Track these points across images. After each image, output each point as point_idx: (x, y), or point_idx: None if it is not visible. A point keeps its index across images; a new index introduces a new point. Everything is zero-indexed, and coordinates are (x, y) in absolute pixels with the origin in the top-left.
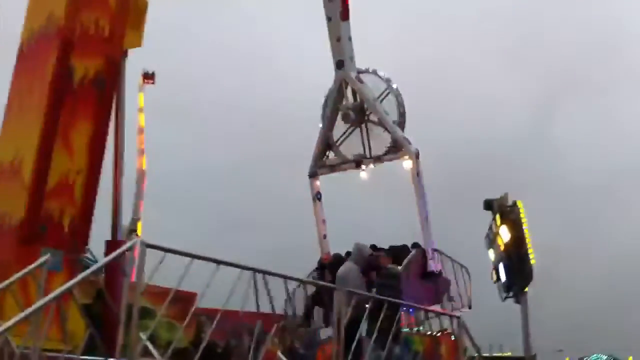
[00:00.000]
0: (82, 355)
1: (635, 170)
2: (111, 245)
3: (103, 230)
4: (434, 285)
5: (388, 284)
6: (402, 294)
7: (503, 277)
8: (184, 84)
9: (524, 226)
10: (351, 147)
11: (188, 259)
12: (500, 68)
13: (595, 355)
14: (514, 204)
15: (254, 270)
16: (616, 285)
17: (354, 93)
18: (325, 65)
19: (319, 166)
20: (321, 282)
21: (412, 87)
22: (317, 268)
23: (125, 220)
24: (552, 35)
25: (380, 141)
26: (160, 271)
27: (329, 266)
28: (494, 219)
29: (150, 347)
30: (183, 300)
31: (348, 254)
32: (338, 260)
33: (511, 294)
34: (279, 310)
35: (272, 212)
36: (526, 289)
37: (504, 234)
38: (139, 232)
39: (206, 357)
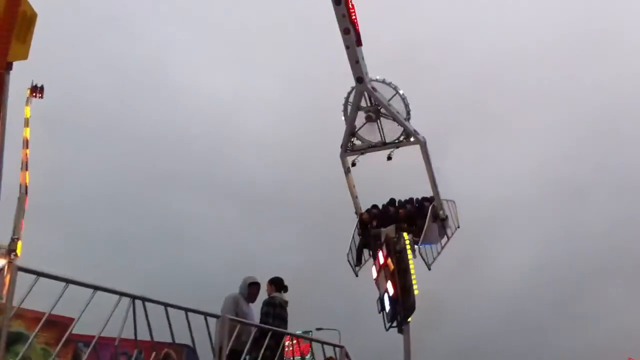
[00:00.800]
0: None
1: (516, 204)
2: None
3: None
4: (442, 225)
5: (272, 312)
6: (286, 322)
7: (387, 308)
8: (76, 102)
9: (410, 257)
10: (369, 135)
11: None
12: None
13: None
14: (400, 235)
15: (133, 297)
16: (499, 314)
17: (370, 98)
18: (212, 88)
19: (347, 150)
20: (206, 312)
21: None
22: (358, 225)
23: (5, 239)
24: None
25: (392, 131)
26: (37, 296)
27: (371, 220)
28: (381, 249)
29: None
30: (60, 326)
31: (374, 206)
32: (378, 210)
33: (395, 323)
34: (161, 337)
35: (155, 233)
36: (409, 319)
37: (390, 265)
38: (18, 252)
39: None
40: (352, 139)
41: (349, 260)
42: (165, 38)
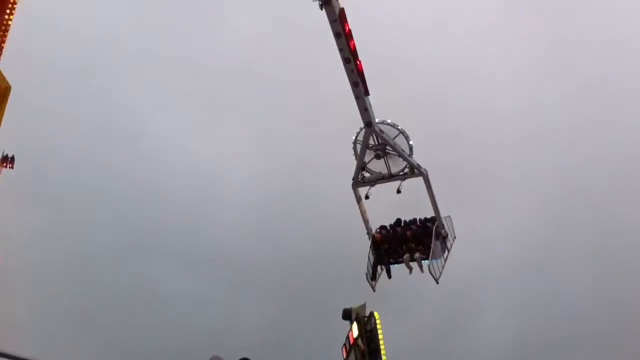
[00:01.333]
0: None
1: (492, 269)
2: None
3: None
4: (444, 242)
5: None
6: None
7: None
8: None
9: (380, 337)
10: (377, 169)
11: None
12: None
13: None
14: (371, 314)
15: None
16: None
17: (376, 137)
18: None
19: (358, 182)
20: None
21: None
22: (371, 245)
23: None
24: None
25: (396, 165)
26: None
27: (383, 240)
28: (351, 328)
29: None
30: None
31: (383, 227)
32: (387, 231)
33: None
34: None
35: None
36: None
37: (361, 345)
38: None
39: None
40: (363, 173)
41: (367, 279)
42: (140, 104)
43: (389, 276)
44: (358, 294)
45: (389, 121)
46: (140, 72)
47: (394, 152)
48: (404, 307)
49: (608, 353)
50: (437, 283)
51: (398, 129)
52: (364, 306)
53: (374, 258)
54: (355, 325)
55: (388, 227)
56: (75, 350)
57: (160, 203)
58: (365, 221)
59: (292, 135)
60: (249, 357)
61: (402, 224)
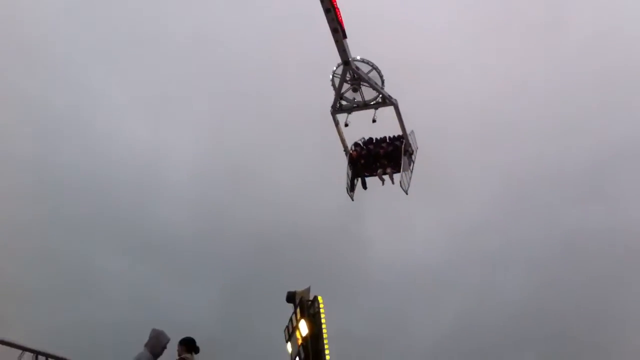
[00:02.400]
0: None
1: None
2: None
3: None
4: (410, 157)
5: None
6: None
7: None
8: None
9: (323, 322)
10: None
11: None
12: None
13: None
14: (315, 298)
15: (36, 353)
16: None
17: (353, 72)
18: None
19: (337, 109)
20: None
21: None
22: (349, 161)
23: None
24: None
25: (370, 95)
26: None
27: (358, 157)
28: (295, 312)
29: None
30: None
31: (357, 144)
32: (361, 148)
33: None
34: None
35: (65, 287)
36: None
37: (303, 329)
38: None
39: None
40: (340, 102)
41: (347, 191)
42: (82, 83)
43: (364, 187)
44: (305, 279)
45: (363, 58)
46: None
47: (368, 85)
48: (349, 297)
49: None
50: (407, 194)
51: (371, 65)
52: (307, 290)
53: (351, 172)
54: (298, 309)
55: (362, 145)
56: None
57: (100, 189)
58: (342, 141)
59: (241, 117)
60: (193, 338)
61: (374, 142)
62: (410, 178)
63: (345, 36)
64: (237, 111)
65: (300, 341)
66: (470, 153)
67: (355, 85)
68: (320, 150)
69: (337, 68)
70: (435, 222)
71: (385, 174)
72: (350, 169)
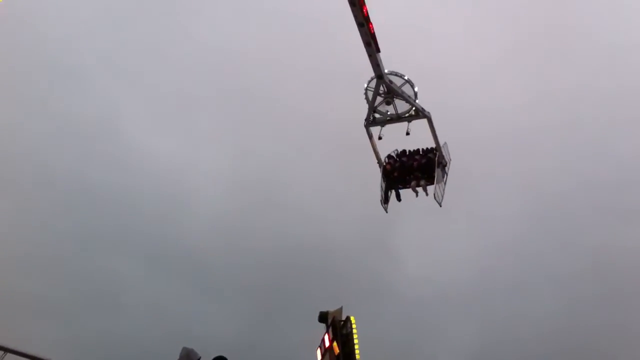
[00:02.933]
0: None
1: (457, 288)
2: None
3: None
4: (443, 169)
5: None
6: None
7: None
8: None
9: (355, 342)
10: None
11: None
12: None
13: None
14: (347, 319)
15: None
16: None
17: (386, 86)
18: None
19: (370, 122)
20: None
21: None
22: (383, 173)
23: None
24: None
25: (403, 108)
26: None
27: (392, 169)
28: (327, 332)
29: None
30: None
31: (390, 156)
32: (394, 160)
33: None
34: None
35: (88, 299)
36: None
37: (335, 349)
38: None
39: None
40: (373, 114)
41: (381, 203)
42: (115, 97)
43: (398, 199)
44: (334, 298)
45: (397, 72)
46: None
47: (401, 98)
48: (379, 315)
49: None
50: (440, 206)
51: (404, 79)
52: (340, 310)
53: (385, 184)
54: (331, 329)
55: (395, 157)
56: (37, 343)
57: (128, 203)
58: (376, 154)
59: (264, 132)
60: (225, 357)
61: (407, 154)
62: (443, 190)
63: (378, 50)
64: (261, 123)
65: None
66: (497, 167)
67: (388, 98)
68: (350, 160)
69: (370, 82)
70: (464, 236)
71: (419, 186)
72: (384, 181)
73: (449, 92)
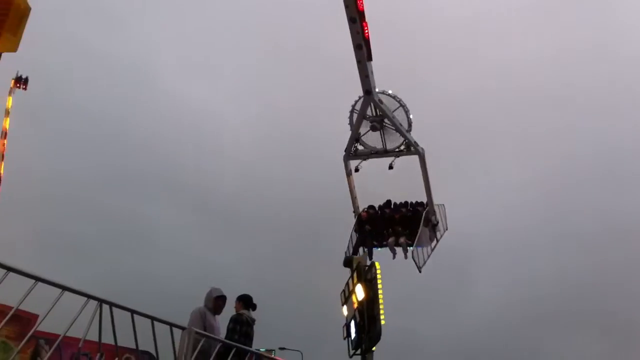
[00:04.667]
0: None
1: (490, 236)
2: None
3: None
4: (433, 230)
5: (238, 329)
6: (251, 340)
7: (353, 334)
8: (56, 98)
9: (379, 287)
10: (372, 141)
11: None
12: None
13: None
14: (372, 264)
15: (100, 301)
16: (466, 347)
17: (375, 108)
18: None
19: (351, 154)
20: (172, 323)
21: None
22: (356, 223)
23: None
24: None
25: (393, 140)
26: (1, 289)
27: (368, 219)
28: (352, 276)
29: None
30: (23, 321)
31: (371, 207)
32: (375, 212)
33: (359, 351)
34: (123, 343)
35: (121, 239)
36: (373, 348)
37: (359, 293)
38: None
39: None
40: (356, 145)
41: (345, 263)
42: (150, 40)
43: (370, 258)
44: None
45: (390, 92)
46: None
47: (391, 126)
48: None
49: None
50: (420, 272)
51: (399, 102)
52: (365, 255)
53: (357, 237)
54: (355, 273)
55: (377, 208)
56: (67, 279)
57: (161, 149)
58: (353, 198)
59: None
60: (250, 295)
61: (392, 206)
62: (429, 256)
63: (370, 57)
64: (292, 74)
65: (356, 305)
66: (528, 123)
67: (375, 123)
68: None
69: (357, 102)
70: (493, 191)
71: (397, 244)
72: (357, 233)
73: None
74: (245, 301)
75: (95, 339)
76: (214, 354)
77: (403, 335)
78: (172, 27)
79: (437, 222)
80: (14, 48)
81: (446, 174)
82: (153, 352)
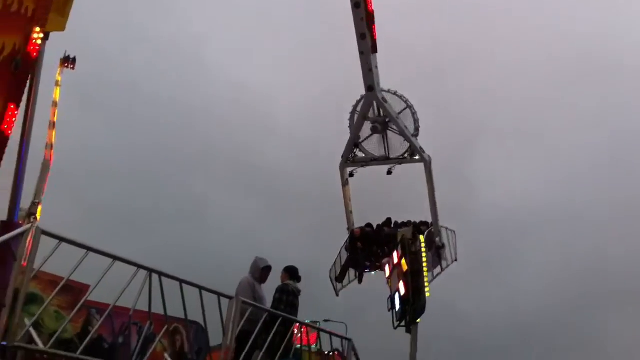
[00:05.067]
0: None
1: (544, 208)
2: (6, 226)
3: (1, 210)
4: (438, 254)
5: (284, 299)
6: (297, 311)
7: (397, 306)
8: (106, 76)
9: (424, 260)
10: (373, 148)
11: (84, 250)
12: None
13: None
14: (416, 238)
15: (150, 271)
16: (517, 322)
17: (378, 109)
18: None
19: (348, 161)
20: (219, 292)
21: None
22: (348, 241)
23: (26, 203)
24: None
25: (397, 146)
26: (53, 259)
27: (361, 237)
28: (396, 249)
29: (34, 334)
30: (74, 291)
31: (368, 225)
32: (372, 230)
33: (403, 323)
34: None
35: (174, 215)
36: (418, 320)
37: (404, 265)
38: (38, 216)
39: (91, 351)
40: (355, 150)
41: (330, 277)
42: (202, 17)
43: (359, 281)
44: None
45: (396, 91)
46: None
47: (395, 129)
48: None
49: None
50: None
51: (405, 103)
52: (410, 229)
53: (347, 257)
54: (400, 247)
55: (374, 227)
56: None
57: (215, 126)
58: (348, 212)
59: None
60: (296, 267)
61: (393, 225)
62: (429, 283)
63: (375, 49)
64: (342, 50)
65: (400, 278)
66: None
67: (377, 124)
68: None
69: (359, 102)
70: (542, 164)
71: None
72: (347, 252)
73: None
74: (292, 272)
75: (145, 308)
76: (260, 323)
77: (448, 309)
78: (228, 5)
79: (443, 245)
80: (62, 27)
81: (495, 148)
82: (201, 322)
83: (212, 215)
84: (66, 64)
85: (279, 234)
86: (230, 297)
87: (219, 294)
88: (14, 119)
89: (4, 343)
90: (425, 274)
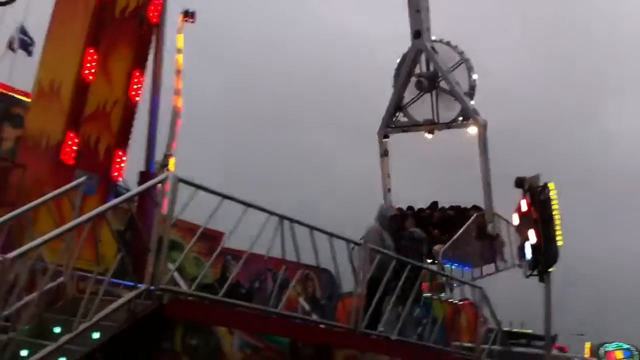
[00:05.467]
0: (112, 279)
1: None
2: (144, 177)
3: (137, 161)
4: (490, 246)
5: (411, 247)
6: (424, 257)
7: (528, 255)
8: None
9: (554, 207)
10: (420, 111)
11: (218, 198)
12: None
13: (616, 343)
14: (545, 185)
15: (282, 217)
16: None
17: (427, 62)
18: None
19: (389, 126)
20: (350, 239)
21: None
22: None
23: (158, 156)
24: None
25: (449, 108)
26: (189, 207)
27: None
28: (524, 196)
29: (178, 278)
30: (210, 238)
31: (410, 207)
32: (412, 211)
33: (535, 272)
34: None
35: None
36: (551, 269)
37: (533, 213)
38: (171, 168)
39: (230, 295)
40: (398, 114)
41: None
42: None
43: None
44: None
45: (449, 41)
46: None
47: (446, 89)
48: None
49: None
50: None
51: (460, 55)
52: (537, 177)
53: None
54: (528, 194)
55: (415, 209)
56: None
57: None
58: (386, 190)
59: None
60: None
61: (439, 209)
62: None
63: None
64: None
65: (530, 226)
66: None
67: (422, 78)
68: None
69: (405, 55)
70: None
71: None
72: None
73: None
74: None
75: (278, 255)
76: (390, 270)
77: (580, 257)
78: None
79: (497, 235)
80: None
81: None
82: (331, 269)
83: (324, 164)
84: (186, 18)
85: (403, 181)
86: (358, 244)
87: (349, 241)
88: (140, 86)
89: (152, 287)
90: (557, 222)
